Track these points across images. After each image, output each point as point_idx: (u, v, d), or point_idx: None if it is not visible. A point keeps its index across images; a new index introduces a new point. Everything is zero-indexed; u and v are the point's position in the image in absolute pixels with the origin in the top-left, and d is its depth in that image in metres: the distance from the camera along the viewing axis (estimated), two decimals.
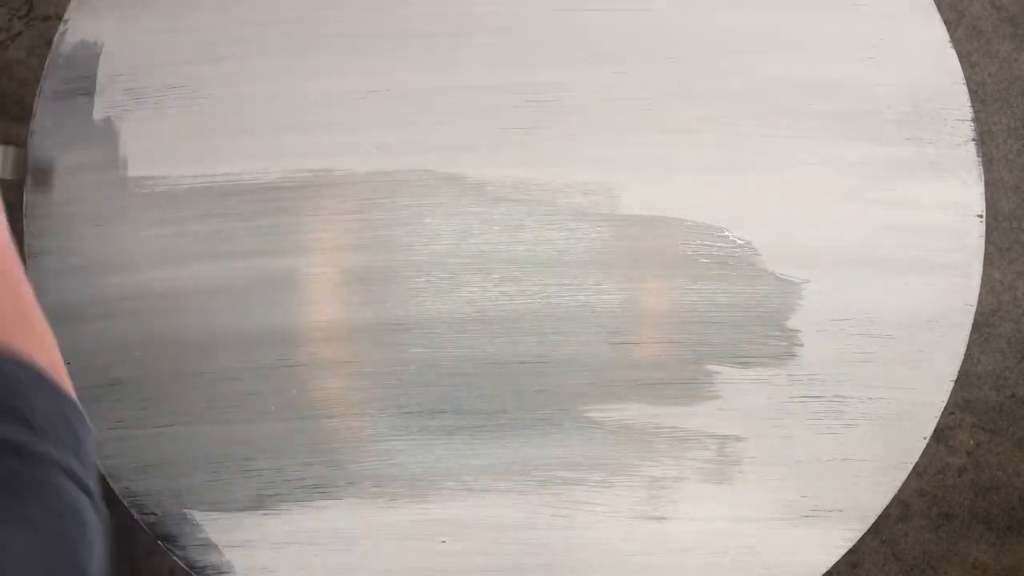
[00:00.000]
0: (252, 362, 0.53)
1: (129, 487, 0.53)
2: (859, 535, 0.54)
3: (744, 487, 0.54)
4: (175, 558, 0.53)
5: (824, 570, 0.54)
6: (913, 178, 0.55)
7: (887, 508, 0.55)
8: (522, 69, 0.56)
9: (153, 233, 0.54)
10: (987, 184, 0.56)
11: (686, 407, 0.54)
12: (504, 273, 0.54)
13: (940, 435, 1.16)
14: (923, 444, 0.55)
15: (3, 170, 0.48)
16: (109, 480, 0.53)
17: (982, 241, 0.55)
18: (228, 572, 0.53)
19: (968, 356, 0.55)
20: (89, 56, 0.55)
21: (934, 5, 0.57)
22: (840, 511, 0.54)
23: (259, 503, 0.53)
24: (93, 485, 0.33)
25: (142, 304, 0.53)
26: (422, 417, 0.54)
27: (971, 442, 1.16)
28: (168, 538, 0.53)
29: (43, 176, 0.47)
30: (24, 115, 1.13)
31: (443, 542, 0.53)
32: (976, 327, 0.55)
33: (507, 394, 0.54)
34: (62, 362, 0.38)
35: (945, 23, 0.57)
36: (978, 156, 0.55)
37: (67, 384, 0.38)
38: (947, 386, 0.55)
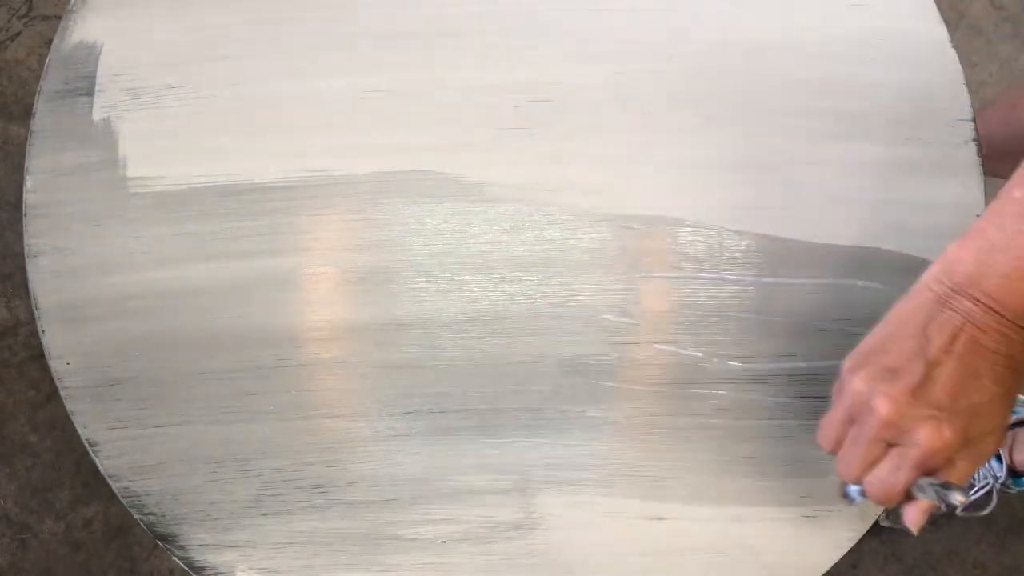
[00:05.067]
0: (252, 362, 0.53)
1: (129, 487, 0.53)
2: (859, 535, 0.54)
3: (744, 487, 0.54)
4: (175, 558, 0.53)
5: (824, 570, 0.54)
6: (913, 178, 0.55)
7: (887, 508, 0.55)
8: (522, 69, 0.56)
9: (153, 233, 0.54)
10: (987, 184, 0.56)
11: (686, 407, 0.54)
12: (504, 273, 0.54)
13: None
14: None
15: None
16: (109, 480, 0.53)
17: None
18: (228, 572, 0.53)
19: None
20: (89, 56, 0.55)
21: (934, 5, 0.57)
22: (840, 511, 0.54)
23: (259, 503, 0.53)
24: None
25: (142, 304, 0.54)
26: (422, 417, 0.54)
27: None
28: (168, 538, 0.53)
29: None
30: (24, 115, 1.14)
31: (443, 542, 0.53)
32: None
33: (507, 394, 0.54)
34: None
35: (945, 23, 0.57)
36: (978, 156, 0.55)
37: None
38: None
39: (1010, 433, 1.05)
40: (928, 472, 0.40)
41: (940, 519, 1.10)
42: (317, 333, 0.54)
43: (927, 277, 0.41)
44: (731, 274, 0.54)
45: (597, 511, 0.53)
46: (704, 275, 0.54)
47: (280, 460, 0.53)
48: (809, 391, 0.54)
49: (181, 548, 0.53)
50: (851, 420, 0.42)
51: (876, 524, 0.56)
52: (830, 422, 0.43)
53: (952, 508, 0.40)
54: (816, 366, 0.54)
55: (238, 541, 0.53)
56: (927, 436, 0.39)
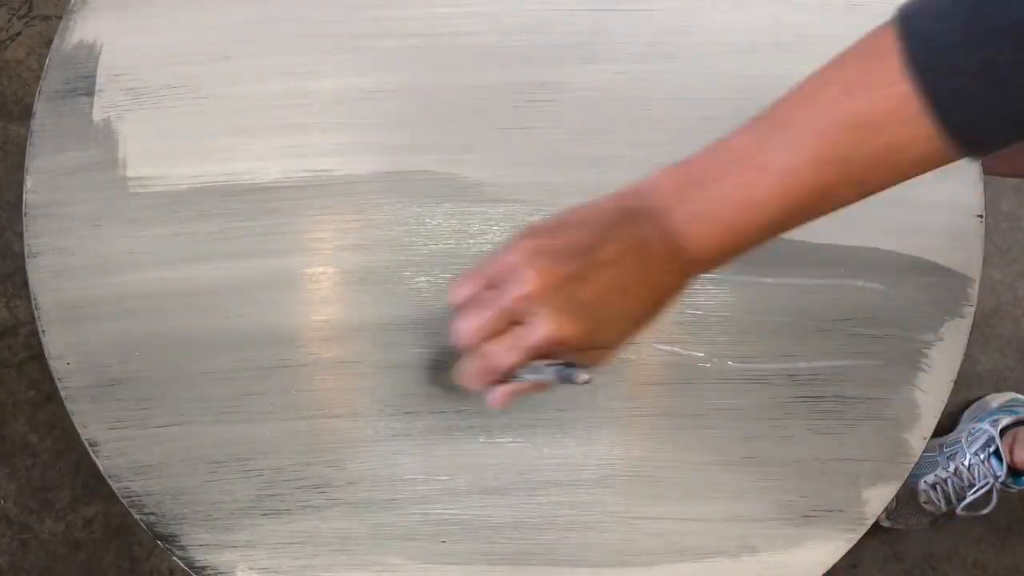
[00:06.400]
0: (252, 362, 0.53)
1: (129, 487, 0.53)
2: (859, 535, 0.54)
3: (744, 487, 0.54)
4: (175, 558, 0.53)
5: (824, 570, 0.54)
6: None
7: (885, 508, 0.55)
8: (522, 69, 0.56)
9: (153, 233, 0.54)
10: (987, 184, 0.56)
11: (686, 407, 0.54)
12: None
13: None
14: (923, 444, 0.55)
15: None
16: (109, 480, 0.53)
17: (982, 241, 0.55)
18: (228, 572, 0.53)
19: (968, 356, 0.55)
20: (89, 56, 0.55)
21: None
22: (840, 511, 0.54)
23: (259, 503, 0.53)
24: None
25: (142, 304, 0.54)
26: (422, 417, 0.54)
27: None
28: (168, 538, 0.53)
29: None
30: (24, 115, 1.13)
31: (443, 542, 0.53)
32: (976, 327, 0.55)
33: None
34: None
35: None
36: None
37: None
38: (947, 386, 0.55)
39: (1010, 432, 1.05)
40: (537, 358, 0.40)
41: (940, 519, 1.10)
42: (317, 333, 0.54)
43: (628, 188, 0.41)
44: (731, 274, 0.54)
45: (597, 511, 0.53)
46: (704, 275, 0.54)
47: (280, 460, 0.53)
48: (809, 391, 0.54)
49: (181, 548, 0.53)
50: (491, 285, 0.41)
51: (876, 524, 0.56)
52: (469, 277, 0.41)
53: (571, 383, 0.39)
54: (816, 366, 0.54)
55: (238, 541, 0.53)
56: (556, 327, 0.38)
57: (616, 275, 0.39)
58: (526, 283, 0.38)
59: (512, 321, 0.40)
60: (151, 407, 0.53)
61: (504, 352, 0.40)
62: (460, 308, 0.41)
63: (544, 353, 0.39)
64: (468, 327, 0.40)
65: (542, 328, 0.38)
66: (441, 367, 0.53)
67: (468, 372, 0.42)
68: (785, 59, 0.56)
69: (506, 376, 0.41)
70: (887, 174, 0.37)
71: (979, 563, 1.14)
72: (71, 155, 0.55)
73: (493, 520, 0.53)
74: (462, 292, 0.42)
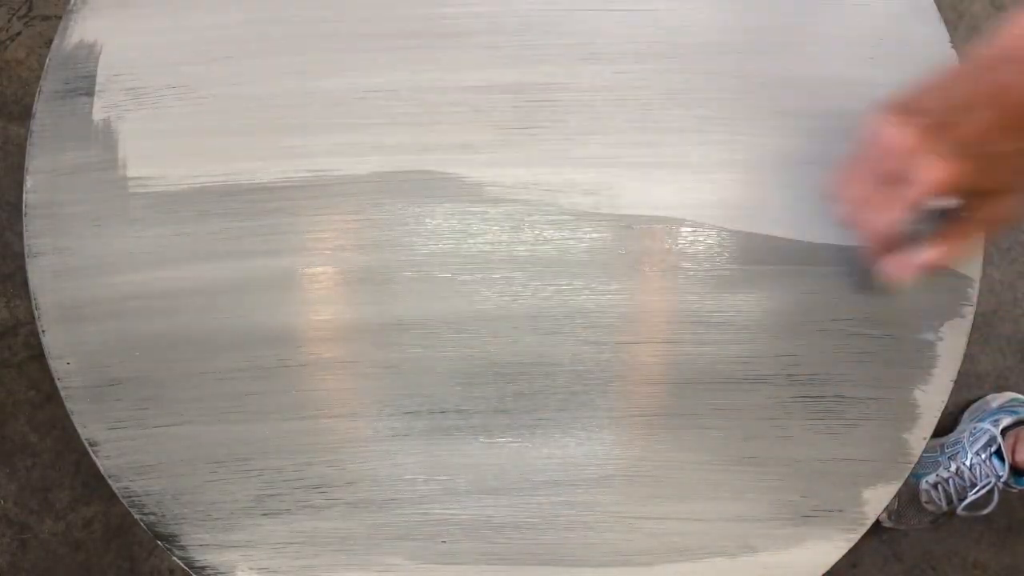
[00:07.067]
0: (252, 362, 0.53)
1: (129, 487, 0.53)
2: (859, 535, 0.54)
3: (744, 487, 0.54)
4: (175, 558, 0.53)
5: (824, 570, 0.54)
6: None
7: (887, 508, 0.54)
8: (522, 69, 0.56)
9: (153, 233, 0.54)
10: None
11: (686, 407, 0.54)
12: (504, 273, 0.54)
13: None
14: (923, 444, 0.55)
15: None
16: (109, 480, 0.53)
17: (982, 242, 0.55)
18: (228, 572, 0.53)
19: (968, 356, 0.55)
20: (89, 56, 0.55)
21: (934, 5, 0.57)
22: (840, 511, 0.54)
23: (259, 503, 0.53)
24: None
25: (142, 304, 0.54)
26: (422, 417, 0.54)
27: None
28: (168, 538, 0.53)
29: None
30: (24, 115, 1.14)
31: (443, 542, 0.53)
32: (976, 327, 0.55)
33: (507, 394, 0.54)
34: None
35: (945, 23, 0.57)
36: None
37: None
38: (947, 386, 0.55)
39: (1012, 432, 1.05)
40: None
41: (941, 519, 1.10)
42: (317, 333, 0.54)
43: (987, 42, 0.39)
44: (731, 274, 0.54)
45: (597, 511, 0.53)
46: (704, 275, 0.54)
47: (280, 460, 0.53)
48: (809, 391, 0.54)
49: (181, 548, 0.53)
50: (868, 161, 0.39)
51: (876, 524, 0.56)
52: (855, 172, 0.40)
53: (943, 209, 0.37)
54: (816, 367, 0.54)
55: (238, 541, 0.53)
56: (928, 172, 0.36)
57: (998, 113, 0.36)
58: (932, 171, 0.36)
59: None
60: (151, 407, 0.53)
61: (882, 212, 0.38)
62: (849, 203, 0.39)
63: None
64: (879, 227, 0.38)
65: (917, 178, 0.36)
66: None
67: (894, 267, 0.40)
68: (785, 59, 0.56)
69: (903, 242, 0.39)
70: None
71: (979, 563, 1.14)
72: (71, 155, 0.55)
73: (493, 520, 0.53)
74: (854, 192, 0.40)
